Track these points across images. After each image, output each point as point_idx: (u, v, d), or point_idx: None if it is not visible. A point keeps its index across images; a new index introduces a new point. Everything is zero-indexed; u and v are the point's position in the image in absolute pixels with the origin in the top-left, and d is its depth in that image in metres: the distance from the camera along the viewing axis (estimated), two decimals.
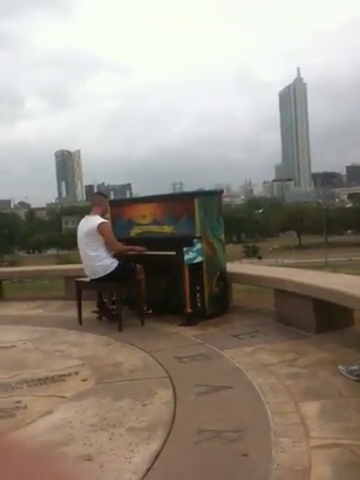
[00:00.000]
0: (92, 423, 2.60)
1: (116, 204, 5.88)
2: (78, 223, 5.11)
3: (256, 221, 73.85)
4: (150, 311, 5.07)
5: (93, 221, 4.83)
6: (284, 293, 4.41)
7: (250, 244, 59.33)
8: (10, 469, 0.41)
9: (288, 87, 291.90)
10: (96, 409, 2.79)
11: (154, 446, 2.30)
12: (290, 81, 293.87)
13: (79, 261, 5.27)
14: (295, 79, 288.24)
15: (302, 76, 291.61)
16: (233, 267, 5.58)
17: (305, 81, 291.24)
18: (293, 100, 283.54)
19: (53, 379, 3.36)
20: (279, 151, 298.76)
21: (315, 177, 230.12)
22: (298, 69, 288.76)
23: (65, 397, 3.02)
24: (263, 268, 6.17)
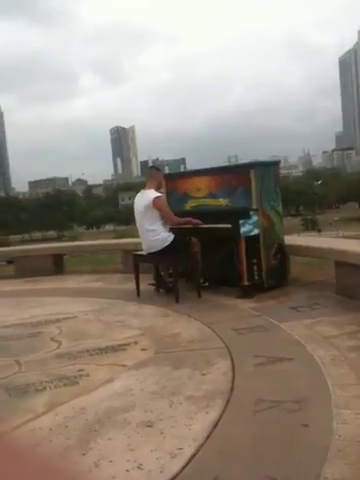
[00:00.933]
0: (152, 391, 2.66)
1: (171, 178, 5.88)
2: (134, 199, 5.16)
3: (315, 193, 71.73)
4: (206, 283, 5.09)
5: (148, 195, 4.85)
6: (345, 265, 4.27)
7: (309, 217, 57.84)
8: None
9: (349, 52, 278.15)
10: (156, 377, 2.84)
11: (213, 415, 2.32)
12: (350, 46, 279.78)
13: (136, 236, 5.34)
14: (356, 43, 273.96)
15: None
16: (291, 239, 5.47)
17: None
18: (354, 65, 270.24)
19: (114, 348, 3.45)
20: (339, 119, 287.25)
21: None
22: (359, 33, 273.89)
23: (126, 366, 3.09)
24: (323, 240, 6.00)
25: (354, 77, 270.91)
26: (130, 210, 5.34)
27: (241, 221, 4.62)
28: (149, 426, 2.27)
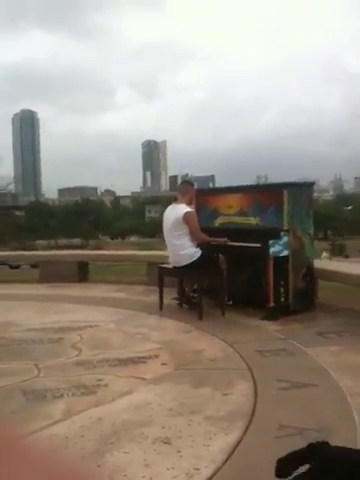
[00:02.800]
0: (171, 407, 2.60)
1: (202, 193, 5.84)
2: (161, 213, 5.15)
3: (344, 218, 70.77)
4: (231, 302, 5.01)
5: (179, 210, 4.83)
6: None
7: (337, 242, 57.02)
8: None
9: None
10: (175, 394, 2.78)
11: (233, 437, 2.25)
12: None
13: (159, 248, 5.31)
14: None
15: None
16: (321, 263, 5.37)
17: None
18: None
19: (133, 360, 3.41)
20: None
21: None
22: None
23: (145, 379, 3.04)
24: (353, 266, 5.87)
25: None
26: (155, 223, 5.34)
27: (271, 241, 4.55)
28: (166, 443, 2.21)
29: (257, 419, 2.45)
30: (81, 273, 7.14)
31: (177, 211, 4.84)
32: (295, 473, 1.05)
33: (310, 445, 1.08)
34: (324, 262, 5.87)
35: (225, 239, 4.89)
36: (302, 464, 1.03)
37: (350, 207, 75.00)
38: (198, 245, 4.87)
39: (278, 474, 1.10)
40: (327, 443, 1.11)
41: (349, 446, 2.11)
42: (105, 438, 2.26)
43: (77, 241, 67.94)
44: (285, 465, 1.08)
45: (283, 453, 2.08)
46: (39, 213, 72.23)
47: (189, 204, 5.02)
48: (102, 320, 4.60)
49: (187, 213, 4.79)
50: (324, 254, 34.03)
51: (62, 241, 68.36)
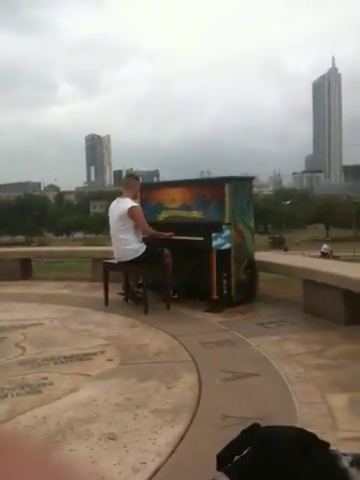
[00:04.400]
0: (117, 402, 2.61)
1: (146, 187, 5.84)
2: (106, 208, 5.12)
3: (283, 212, 72.92)
4: (176, 296, 5.07)
5: (124, 204, 4.82)
6: (313, 284, 4.33)
7: (276, 235, 58.69)
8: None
9: (322, 77, 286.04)
10: (121, 389, 2.79)
11: (178, 429, 2.29)
12: (322, 71, 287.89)
13: (105, 244, 5.28)
14: (330, 69, 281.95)
15: (337, 66, 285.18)
16: (261, 255, 5.52)
17: (339, 72, 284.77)
18: (327, 90, 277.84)
19: (79, 357, 3.38)
20: (310, 142, 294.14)
21: (346, 170, 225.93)
22: (333, 59, 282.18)
23: (90, 376, 3.03)
24: (292, 257, 6.08)
25: (326, 101, 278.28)
26: (101, 219, 5.30)
27: (213, 234, 4.63)
28: (112, 439, 2.22)
29: (202, 410, 2.50)
30: (24, 271, 6.96)
31: (122, 205, 4.82)
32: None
33: (243, 431, 1.13)
34: (264, 254, 6.04)
35: (171, 233, 4.93)
36: (240, 452, 1.08)
37: (289, 201, 77.30)
38: (143, 240, 4.88)
39: (219, 468, 1.15)
40: (258, 425, 1.17)
41: None
42: (51, 437, 2.24)
43: (21, 238, 66.04)
44: (224, 458, 1.12)
45: (227, 443, 2.15)
46: None
47: (134, 198, 5.02)
48: (46, 317, 4.52)
49: (132, 207, 4.79)
50: (325, 246, 34.98)
51: (4, 238, 66.17)
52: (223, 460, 1.13)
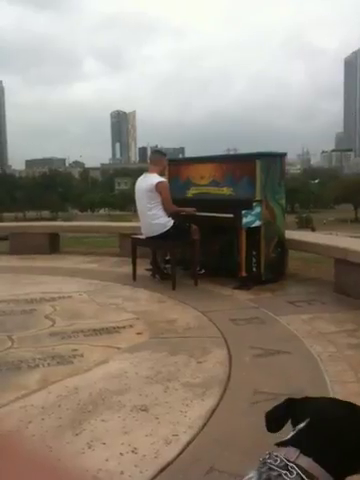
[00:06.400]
0: (147, 375, 2.61)
1: (174, 163, 5.77)
2: (131, 185, 5.12)
3: (311, 192, 71.75)
4: (203, 271, 5.04)
5: (151, 179, 4.78)
6: (345, 263, 4.23)
7: (304, 215, 57.89)
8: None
9: (355, 53, 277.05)
10: (151, 362, 2.80)
11: (210, 403, 2.28)
12: (355, 47, 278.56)
13: (131, 220, 5.25)
14: None
15: None
16: (292, 234, 5.43)
17: None
18: (359, 66, 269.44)
19: (108, 330, 3.40)
20: (340, 120, 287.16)
21: None
22: None
23: (120, 348, 3.05)
24: (323, 236, 5.97)
25: (358, 78, 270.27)
26: (125, 195, 5.28)
27: (243, 211, 4.56)
28: (144, 410, 2.23)
29: (232, 385, 2.49)
30: (52, 245, 7.03)
31: (149, 180, 4.79)
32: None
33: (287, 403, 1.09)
34: (294, 232, 5.95)
35: (194, 209, 4.88)
36: (286, 418, 1.04)
37: (317, 180, 75.98)
38: (170, 215, 4.85)
39: (269, 428, 1.12)
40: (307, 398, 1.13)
41: None
42: (82, 407, 2.26)
43: (46, 214, 66.88)
44: (273, 418, 1.09)
45: (259, 418, 2.14)
46: (5, 185, 70.49)
47: (161, 175, 4.97)
48: (75, 291, 4.56)
49: (159, 183, 4.74)
50: None
51: (30, 214, 67.12)
52: (272, 422, 1.10)
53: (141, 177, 5.03)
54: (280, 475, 0.97)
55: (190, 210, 4.90)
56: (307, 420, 0.94)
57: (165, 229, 4.73)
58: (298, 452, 0.99)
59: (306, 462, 0.97)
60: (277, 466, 0.99)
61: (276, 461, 0.99)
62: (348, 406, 0.99)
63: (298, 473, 0.98)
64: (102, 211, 74.91)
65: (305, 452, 0.97)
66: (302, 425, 0.94)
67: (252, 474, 1.00)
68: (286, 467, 0.98)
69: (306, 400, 1.01)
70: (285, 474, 0.97)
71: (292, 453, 1.01)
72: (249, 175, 4.73)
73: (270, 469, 1.01)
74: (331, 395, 2.35)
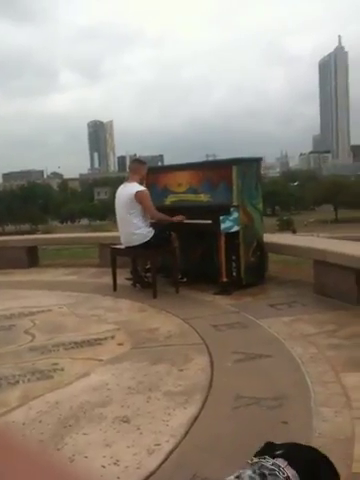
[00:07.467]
0: (129, 386, 2.60)
1: (152, 171, 5.76)
2: (111, 194, 5.11)
3: (291, 194, 72.47)
4: (185, 279, 5.04)
5: (131, 188, 4.77)
6: (324, 264, 4.28)
7: (284, 217, 58.43)
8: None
9: (329, 55, 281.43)
10: (132, 373, 2.78)
11: (192, 410, 2.28)
12: (328, 51, 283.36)
13: (111, 230, 5.24)
14: (336, 47, 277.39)
15: (343, 45, 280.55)
16: (271, 237, 5.47)
17: (346, 50, 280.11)
18: (333, 69, 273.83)
19: (89, 343, 3.38)
20: (317, 123, 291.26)
21: (354, 149, 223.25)
22: (339, 37, 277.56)
23: (102, 360, 3.02)
24: (302, 238, 6.02)
25: (333, 80, 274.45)
26: (105, 205, 5.26)
27: (222, 217, 4.58)
28: (126, 421, 2.21)
29: (214, 391, 2.49)
30: (31, 258, 6.95)
31: (129, 190, 4.77)
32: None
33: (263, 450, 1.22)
34: (273, 235, 6.00)
35: (182, 217, 4.86)
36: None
37: (296, 183, 76.77)
38: (151, 224, 4.83)
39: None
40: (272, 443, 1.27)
41: (305, 413, 2.20)
42: (64, 421, 2.23)
43: (26, 227, 66.21)
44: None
45: (241, 423, 2.14)
46: None
47: (141, 183, 4.96)
48: (55, 304, 4.52)
49: (139, 192, 4.73)
50: None
51: (9, 228, 66.40)
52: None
53: (121, 186, 5.01)
54: (274, 471, 1.05)
55: (179, 218, 4.87)
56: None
57: (145, 239, 4.70)
58: (286, 463, 1.07)
59: (291, 473, 1.05)
60: (268, 467, 1.07)
61: (268, 462, 1.07)
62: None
63: (288, 476, 1.06)
64: (82, 221, 74.49)
65: (292, 465, 1.06)
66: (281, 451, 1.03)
67: (244, 470, 1.07)
68: (278, 468, 1.06)
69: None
70: (278, 472, 1.04)
71: (281, 462, 1.09)
72: (226, 181, 4.76)
73: (263, 467, 1.08)
74: (312, 396, 2.37)
